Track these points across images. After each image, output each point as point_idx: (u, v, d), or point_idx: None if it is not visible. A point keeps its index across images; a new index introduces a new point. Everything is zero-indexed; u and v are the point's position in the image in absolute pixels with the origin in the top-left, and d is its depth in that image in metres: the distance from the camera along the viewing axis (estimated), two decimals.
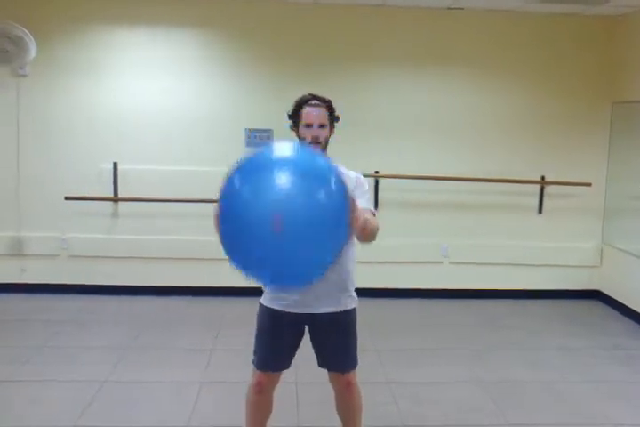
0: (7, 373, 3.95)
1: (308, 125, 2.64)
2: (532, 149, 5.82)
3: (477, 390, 3.91)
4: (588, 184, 5.76)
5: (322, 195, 2.08)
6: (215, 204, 2.21)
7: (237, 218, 2.09)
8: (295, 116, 2.70)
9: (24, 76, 5.48)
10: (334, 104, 2.74)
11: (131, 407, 3.55)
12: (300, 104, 2.69)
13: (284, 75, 5.56)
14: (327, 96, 2.74)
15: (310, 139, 2.64)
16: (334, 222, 2.11)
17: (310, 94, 2.72)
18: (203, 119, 5.62)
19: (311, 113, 2.65)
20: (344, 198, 2.14)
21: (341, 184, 2.15)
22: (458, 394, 3.86)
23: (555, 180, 5.81)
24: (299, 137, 2.70)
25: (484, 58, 5.71)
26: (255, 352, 2.80)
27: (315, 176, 2.11)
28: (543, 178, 5.82)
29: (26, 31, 5.19)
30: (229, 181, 2.16)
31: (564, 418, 3.57)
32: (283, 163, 2.14)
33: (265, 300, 2.75)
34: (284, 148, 2.25)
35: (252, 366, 2.80)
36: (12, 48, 5.24)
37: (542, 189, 5.87)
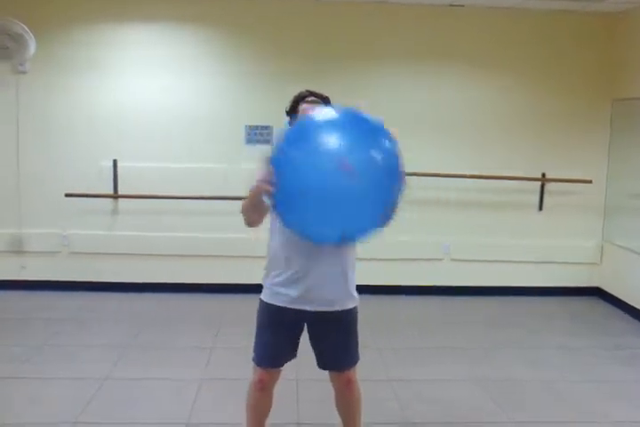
0: (7, 371, 3.95)
1: None
2: (533, 146, 5.81)
3: (478, 389, 3.90)
4: (589, 181, 5.75)
5: (383, 144, 2.26)
6: (260, 169, 2.30)
7: (305, 170, 2.15)
8: (292, 112, 2.69)
9: (24, 73, 5.47)
10: (333, 101, 2.73)
11: (131, 405, 3.54)
12: (297, 101, 2.68)
13: (284, 72, 5.54)
14: (327, 93, 2.74)
15: None
16: (394, 171, 2.29)
17: (307, 91, 2.71)
18: (202, 117, 5.62)
19: (308, 110, 2.62)
20: (397, 151, 2.32)
21: (393, 139, 2.32)
22: (458, 392, 3.86)
23: (555, 177, 5.80)
24: None
25: (484, 55, 5.70)
26: (255, 349, 2.79)
27: (370, 129, 2.30)
28: (544, 175, 5.82)
29: (25, 28, 5.19)
30: (287, 143, 2.26)
31: (565, 416, 3.57)
32: (336, 121, 2.28)
33: (265, 296, 2.74)
34: (330, 111, 2.37)
35: (252, 364, 2.79)
36: (11, 45, 5.23)
37: (543, 187, 5.86)
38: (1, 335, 4.63)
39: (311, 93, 2.70)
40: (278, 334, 2.74)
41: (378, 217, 2.28)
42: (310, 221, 2.26)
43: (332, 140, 2.17)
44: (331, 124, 2.26)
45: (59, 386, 3.76)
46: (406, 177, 2.35)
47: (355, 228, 2.29)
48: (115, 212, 5.68)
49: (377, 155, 2.21)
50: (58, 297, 5.51)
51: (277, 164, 2.24)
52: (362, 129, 2.28)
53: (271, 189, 2.24)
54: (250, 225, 2.61)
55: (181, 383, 3.85)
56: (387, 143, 2.28)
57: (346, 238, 2.37)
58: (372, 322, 4.98)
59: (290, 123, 2.72)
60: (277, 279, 2.67)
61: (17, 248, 5.64)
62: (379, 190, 2.22)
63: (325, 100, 2.70)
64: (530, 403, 3.73)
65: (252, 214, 2.57)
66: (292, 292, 2.64)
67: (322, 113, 2.36)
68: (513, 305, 5.73)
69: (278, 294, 2.67)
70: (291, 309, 2.66)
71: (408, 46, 5.64)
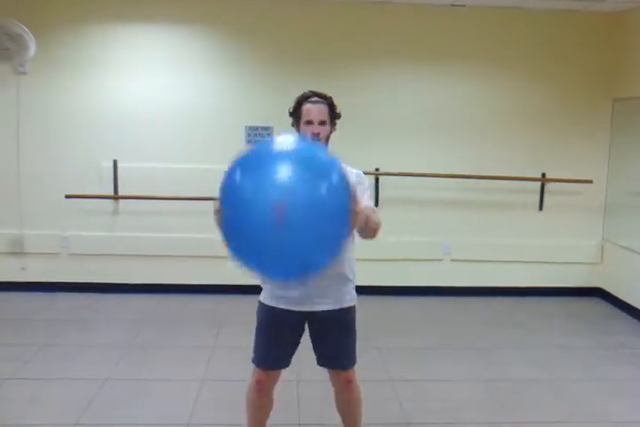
0: (9, 371, 3.95)
1: (309, 122, 2.63)
2: (533, 145, 5.81)
3: (479, 388, 3.91)
4: (590, 181, 5.75)
5: (324, 187, 2.07)
6: (216, 199, 2.20)
7: (239, 209, 2.07)
8: (296, 113, 2.69)
9: (24, 73, 5.47)
10: (335, 101, 2.73)
11: (132, 405, 3.55)
12: (301, 101, 2.67)
13: (284, 72, 5.55)
14: (328, 93, 2.74)
15: (310, 136, 2.62)
16: (336, 215, 2.09)
17: (311, 91, 2.71)
18: (202, 117, 5.62)
19: (311, 110, 2.63)
20: (346, 192, 2.13)
21: (343, 177, 2.14)
22: (459, 392, 3.86)
23: (555, 177, 5.80)
24: (299, 132, 2.69)
25: (485, 55, 5.69)
26: (255, 351, 2.79)
27: (316, 168, 2.11)
28: (544, 175, 5.82)
29: (25, 29, 5.18)
30: (230, 174, 2.15)
31: (565, 416, 3.57)
32: (284, 155, 2.14)
33: (264, 297, 2.74)
34: (286, 140, 2.25)
35: (252, 365, 2.79)
36: (11, 46, 5.22)
37: (543, 187, 5.86)
38: (2, 336, 4.63)
39: (315, 94, 2.69)
40: (278, 335, 2.74)
41: (311, 262, 2.16)
42: (240, 256, 2.17)
43: (278, 175, 2.02)
44: (283, 157, 2.13)
45: (60, 386, 3.77)
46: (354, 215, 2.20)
47: (283, 269, 2.19)
48: (115, 213, 5.68)
49: (321, 195, 2.06)
50: (58, 298, 5.52)
51: (225, 192, 2.16)
52: (312, 165, 2.12)
53: (219, 220, 2.20)
54: None
55: (182, 384, 3.85)
56: (335, 181, 2.11)
57: (272, 274, 2.30)
58: (373, 322, 4.99)
59: (293, 124, 2.73)
60: None
61: (17, 249, 5.64)
62: (314, 240, 2.07)
63: (328, 101, 2.69)
64: (530, 403, 3.73)
65: None
66: (292, 293, 2.64)
67: (279, 141, 2.27)
68: (513, 305, 5.73)
69: (277, 296, 2.68)
70: (290, 310, 2.66)
71: (409, 46, 5.64)
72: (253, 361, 2.79)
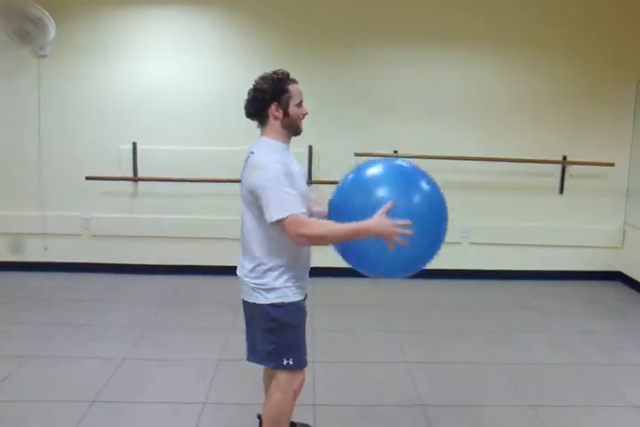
0: (31, 349, 4.03)
1: (301, 103, 2.52)
2: (554, 128, 5.74)
3: (495, 371, 3.90)
4: (612, 164, 5.67)
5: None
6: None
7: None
8: (283, 93, 2.49)
9: (44, 56, 5.51)
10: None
11: (149, 385, 3.60)
12: (285, 80, 2.52)
13: (302, 55, 5.46)
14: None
15: (303, 117, 2.54)
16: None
17: (280, 70, 2.57)
18: (220, 99, 5.61)
19: (300, 90, 2.53)
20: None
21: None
22: (475, 374, 3.85)
23: (577, 160, 5.73)
24: (286, 116, 2.50)
25: (504, 37, 5.61)
26: (295, 355, 2.53)
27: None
28: (565, 158, 5.74)
29: (45, 12, 5.19)
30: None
31: (583, 400, 3.55)
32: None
33: (293, 294, 2.50)
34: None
35: (287, 376, 2.55)
36: (32, 29, 5.24)
37: (564, 169, 5.79)
38: (24, 315, 4.72)
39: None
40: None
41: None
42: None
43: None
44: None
45: (80, 364, 3.83)
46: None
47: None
48: (134, 194, 5.73)
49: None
50: (79, 278, 5.61)
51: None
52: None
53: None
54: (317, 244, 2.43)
55: (200, 363, 3.89)
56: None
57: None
58: (390, 305, 4.99)
59: (267, 107, 2.50)
60: (295, 272, 2.53)
61: (39, 230, 5.71)
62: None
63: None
64: (548, 386, 3.71)
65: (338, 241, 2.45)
66: (304, 282, 2.59)
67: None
68: (532, 289, 5.70)
69: (303, 286, 2.58)
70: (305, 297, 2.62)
71: (428, 26, 5.56)
72: (298, 365, 2.54)
